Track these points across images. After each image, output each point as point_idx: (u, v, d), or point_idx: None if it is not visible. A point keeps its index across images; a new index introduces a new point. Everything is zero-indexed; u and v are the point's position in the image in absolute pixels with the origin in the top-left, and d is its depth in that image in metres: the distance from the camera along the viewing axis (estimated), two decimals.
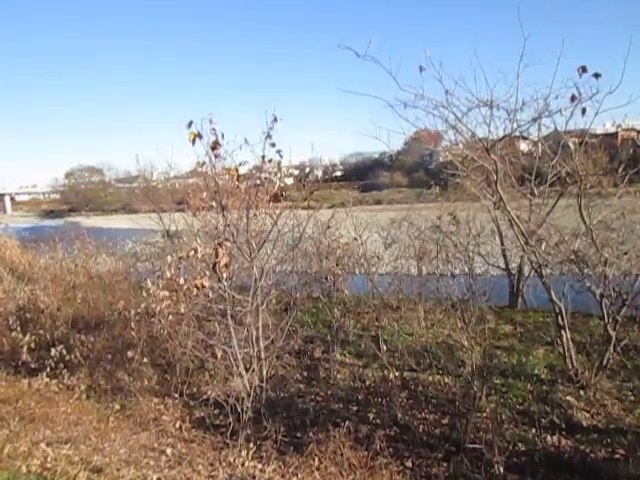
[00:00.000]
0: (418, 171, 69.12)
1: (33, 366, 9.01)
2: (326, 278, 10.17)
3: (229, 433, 6.34)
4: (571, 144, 7.24)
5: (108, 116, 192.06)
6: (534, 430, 6.31)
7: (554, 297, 7.65)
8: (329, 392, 7.84)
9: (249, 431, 6.33)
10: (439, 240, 10.79)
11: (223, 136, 5.96)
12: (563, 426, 6.41)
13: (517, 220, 7.45)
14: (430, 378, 8.00)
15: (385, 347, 9.16)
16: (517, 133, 7.29)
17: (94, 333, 10.02)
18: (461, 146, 8.49)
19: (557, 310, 7.74)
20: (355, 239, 10.49)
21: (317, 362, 9.21)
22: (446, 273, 10.53)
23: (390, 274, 11.30)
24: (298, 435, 6.42)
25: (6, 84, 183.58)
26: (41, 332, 9.73)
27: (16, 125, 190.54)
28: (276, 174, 6.65)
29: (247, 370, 6.71)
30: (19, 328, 9.56)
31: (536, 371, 8.17)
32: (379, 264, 10.89)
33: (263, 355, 7.00)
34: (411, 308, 10.41)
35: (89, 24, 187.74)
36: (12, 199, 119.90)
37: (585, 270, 7.49)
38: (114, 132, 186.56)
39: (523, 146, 11.73)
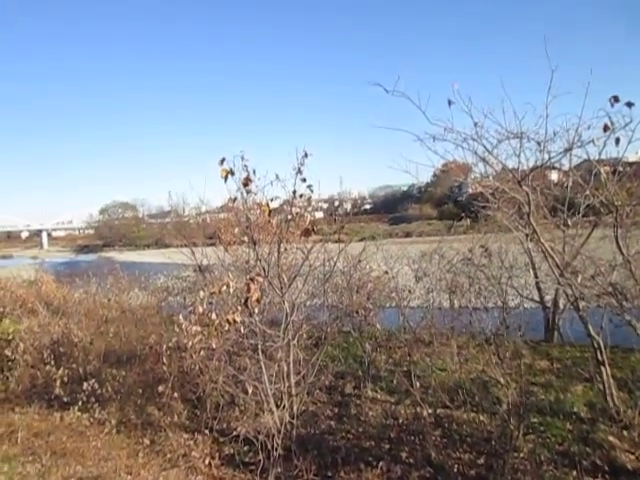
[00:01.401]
0: (447, 203, 68.94)
1: (65, 400, 9.08)
2: (357, 312, 10.06)
3: (259, 471, 6.24)
4: (604, 173, 7.11)
5: (142, 153, 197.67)
6: (575, 472, 6.03)
7: (592, 331, 7.40)
8: (360, 429, 7.67)
9: (279, 469, 6.22)
10: (471, 273, 10.62)
11: (255, 172, 6.07)
12: (606, 468, 6.10)
13: (551, 252, 7.30)
14: (464, 416, 7.76)
15: (418, 383, 8.95)
16: (548, 164, 7.21)
17: (126, 367, 10.09)
18: (491, 178, 8.42)
19: (595, 345, 7.48)
20: (386, 272, 10.41)
21: (348, 398, 9.05)
22: (479, 306, 10.32)
23: (422, 307, 11.12)
24: (329, 474, 6.28)
25: (46, 123, 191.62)
26: (74, 366, 9.85)
27: (54, 162, 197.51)
28: (307, 209, 6.69)
29: (278, 406, 6.64)
30: (53, 362, 9.72)
31: (575, 409, 7.85)
32: (410, 297, 10.75)
33: (294, 391, 6.93)
34: (444, 343, 10.18)
35: (120, 61, 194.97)
36: (49, 235, 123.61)
37: (624, 303, 7.24)
38: (147, 169, 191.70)
39: (554, 176, 11.57)
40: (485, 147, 6.99)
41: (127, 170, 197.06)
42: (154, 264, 34.82)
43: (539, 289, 11.65)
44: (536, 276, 10.90)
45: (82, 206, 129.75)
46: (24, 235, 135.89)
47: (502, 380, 6.29)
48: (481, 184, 8.65)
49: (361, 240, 14.08)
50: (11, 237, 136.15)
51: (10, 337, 11.38)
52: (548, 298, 11.80)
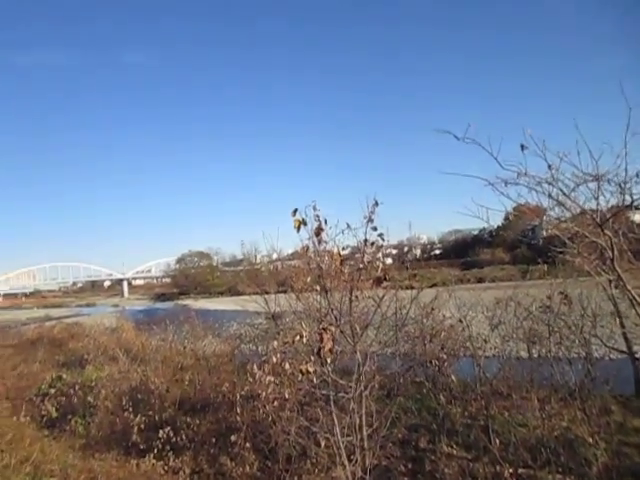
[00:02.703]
0: (521, 247, 66.60)
1: (142, 447, 9.27)
2: (430, 362, 9.78)
3: None
4: None
5: (217, 203, 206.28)
6: None
7: None
8: None
9: None
10: (550, 321, 10.10)
11: (326, 222, 6.16)
12: None
13: (639, 299, 6.85)
14: (549, 477, 7.21)
15: (497, 439, 8.47)
16: (630, 205, 6.87)
17: (200, 415, 10.23)
18: (568, 221, 8.10)
19: None
20: (460, 321, 10.11)
21: (422, 453, 8.69)
22: (560, 357, 9.76)
23: (498, 357, 10.65)
24: None
25: (127, 177, 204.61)
26: (150, 413, 10.09)
27: (135, 213, 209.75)
28: (378, 258, 6.68)
29: (350, 460, 6.46)
30: (131, 408, 10.01)
31: None
32: (485, 347, 10.34)
33: (366, 444, 6.73)
34: (523, 396, 9.64)
35: (199, 109, 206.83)
36: (129, 283, 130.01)
37: None
38: (222, 218, 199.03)
39: (637, 217, 10.96)
40: (561, 190, 6.78)
41: (203, 220, 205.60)
42: (227, 312, 35.61)
43: (627, 339, 10.88)
44: (623, 325, 10.21)
45: (160, 255, 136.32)
46: (107, 284, 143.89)
47: (590, 439, 5.86)
48: (558, 228, 8.34)
49: (432, 286, 13.79)
50: (95, 286, 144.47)
51: (93, 383, 11.89)
52: (637, 349, 10.99)
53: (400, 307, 8.00)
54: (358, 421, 6.65)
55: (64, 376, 13.15)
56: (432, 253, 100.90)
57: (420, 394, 11.01)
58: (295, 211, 6.02)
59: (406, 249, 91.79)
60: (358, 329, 6.59)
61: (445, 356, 9.75)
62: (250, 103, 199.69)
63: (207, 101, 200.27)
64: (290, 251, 21.92)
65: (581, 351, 9.74)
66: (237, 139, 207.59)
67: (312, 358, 5.82)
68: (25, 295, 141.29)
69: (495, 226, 75.06)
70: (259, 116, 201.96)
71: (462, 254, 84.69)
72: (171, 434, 8.95)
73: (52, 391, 12.10)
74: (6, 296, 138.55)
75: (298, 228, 6.04)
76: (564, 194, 6.85)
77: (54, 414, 11.30)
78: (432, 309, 10.46)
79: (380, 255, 6.90)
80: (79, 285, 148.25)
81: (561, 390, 8.37)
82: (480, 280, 53.22)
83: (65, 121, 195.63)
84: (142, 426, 9.47)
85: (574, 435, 6.56)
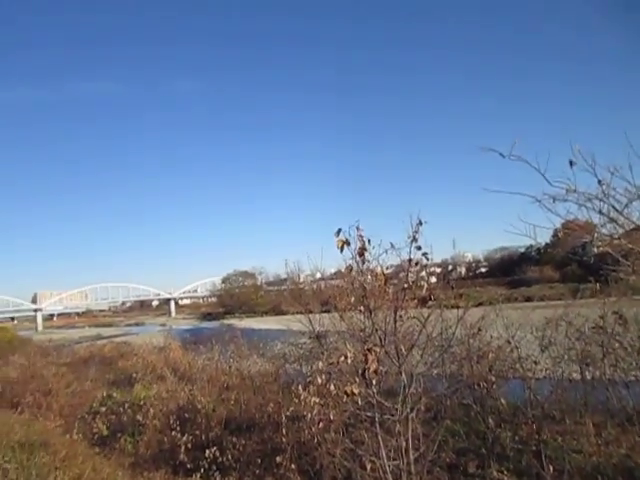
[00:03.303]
0: (570, 265, 64.52)
1: (189, 466, 9.37)
2: (478, 384, 9.52)
3: None
4: None
5: (262, 223, 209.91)
6: None
7: None
8: None
9: None
10: (604, 342, 9.71)
11: (369, 242, 6.15)
12: None
13: None
14: None
15: (550, 466, 8.13)
16: None
17: (245, 435, 10.25)
18: (621, 238, 7.80)
19: None
20: (508, 341, 9.83)
21: (471, 478, 8.42)
22: (616, 380, 9.34)
23: (549, 380, 10.28)
24: None
25: (175, 201, 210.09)
26: (197, 432, 10.19)
27: (182, 234, 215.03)
28: (422, 277, 6.61)
29: None
30: (178, 427, 10.14)
31: None
32: (535, 369, 10.00)
33: (413, 469, 6.58)
34: (577, 421, 9.25)
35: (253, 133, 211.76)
36: (176, 303, 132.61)
37: None
38: (265, 238, 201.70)
39: None
40: (613, 206, 6.55)
41: (248, 239, 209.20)
42: (271, 331, 35.78)
43: None
44: None
45: (206, 275, 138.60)
46: (155, 304, 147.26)
47: None
48: (610, 245, 8.04)
49: (478, 305, 13.47)
50: (144, 306, 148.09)
51: (141, 402, 12.13)
52: None
53: (446, 327, 7.85)
54: (404, 444, 6.52)
55: (114, 394, 13.49)
56: (477, 271, 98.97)
57: (468, 417, 10.70)
58: (339, 231, 6.04)
59: (450, 267, 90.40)
60: (403, 350, 6.51)
61: (493, 378, 9.47)
62: (289, 127, 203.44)
63: (253, 124, 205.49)
64: (333, 270, 21.91)
65: (639, 374, 9.32)
66: (281, 161, 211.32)
67: (357, 379, 5.77)
68: (78, 314, 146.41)
69: (543, 243, 73.13)
70: (304, 137, 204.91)
71: (509, 272, 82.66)
72: (217, 454, 9.01)
73: (103, 409, 12.42)
74: (60, 315, 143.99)
75: (342, 248, 6.05)
76: (616, 210, 6.61)
77: (105, 432, 11.58)
78: (479, 329, 10.22)
79: (424, 274, 6.82)
80: (128, 305, 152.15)
81: (618, 415, 8.00)
82: (528, 299, 51.59)
83: (110, 145, 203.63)
84: (189, 445, 9.58)
85: (634, 463, 6.23)
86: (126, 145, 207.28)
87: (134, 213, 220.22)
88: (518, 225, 6.86)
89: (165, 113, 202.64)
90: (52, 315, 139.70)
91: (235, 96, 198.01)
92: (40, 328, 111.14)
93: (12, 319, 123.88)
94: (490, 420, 8.88)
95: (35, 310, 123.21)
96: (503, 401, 9.65)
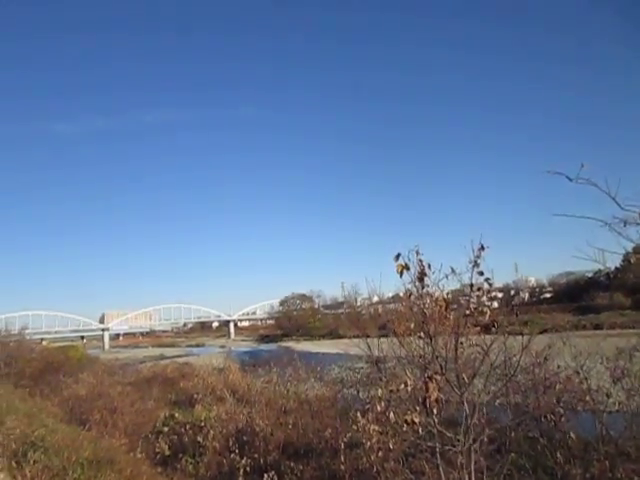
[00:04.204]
0: None
1: None
2: (545, 416, 9.07)
3: None
4: None
5: (318, 246, 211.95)
6: None
7: None
8: None
9: None
10: None
11: (429, 266, 6.06)
12: None
13: None
14: None
15: None
16: None
17: (303, 460, 10.19)
18: None
19: None
20: (577, 372, 9.36)
21: None
22: None
23: (623, 414, 9.66)
24: None
25: (233, 225, 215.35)
26: (255, 455, 10.22)
27: (241, 258, 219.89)
28: (483, 302, 6.43)
29: None
30: (237, 450, 10.21)
31: None
32: (608, 402, 9.44)
33: None
34: None
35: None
36: (235, 325, 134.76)
37: None
38: (323, 261, 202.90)
39: None
40: None
41: (305, 263, 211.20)
42: (328, 354, 35.65)
43: None
44: None
45: (265, 298, 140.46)
46: (215, 325, 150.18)
47: None
48: None
49: (542, 332, 12.92)
50: (204, 327, 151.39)
51: (202, 423, 12.31)
52: None
53: (510, 357, 7.56)
54: (467, 477, 6.28)
55: (176, 415, 13.78)
56: (541, 297, 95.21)
57: (534, 451, 10.17)
58: (398, 256, 5.99)
59: (513, 292, 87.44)
60: (465, 378, 6.31)
61: (562, 410, 9.01)
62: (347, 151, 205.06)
63: (307, 149, 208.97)
64: (390, 294, 21.68)
65: None
66: (338, 185, 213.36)
67: (417, 407, 5.64)
68: (142, 334, 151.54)
69: (613, 268, 69.58)
70: (356, 158, 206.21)
71: (575, 298, 78.88)
72: (275, 479, 8.97)
73: (165, 429, 12.70)
74: (126, 335, 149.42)
75: (401, 273, 5.99)
76: None
77: (167, 452, 11.81)
78: (545, 358, 9.79)
79: (485, 299, 6.64)
80: (189, 326, 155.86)
81: None
82: (597, 327, 48.76)
83: (172, 167, 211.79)
84: (247, 469, 9.61)
85: None
86: (189, 168, 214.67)
87: (196, 235, 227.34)
88: (586, 249, 6.57)
89: (229, 135, 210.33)
90: (118, 335, 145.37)
91: (292, 120, 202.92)
92: (107, 347, 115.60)
93: (82, 338, 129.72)
94: (559, 455, 8.42)
95: (103, 330, 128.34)
96: (573, 435, 9.11)
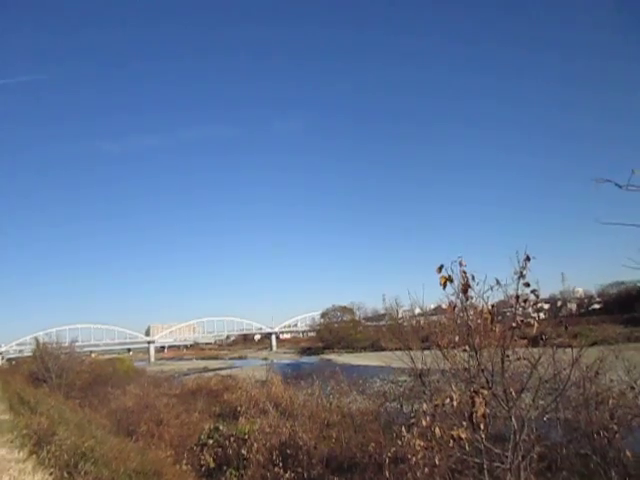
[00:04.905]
0: None
1: None
2: (598, 433, 8.69)
3: None
4: None
5: (359, 258, 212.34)
6: None
7: None
8: None
9: None
10: None
11: (473, 278, 5.94)
12: None
13: None
14: None
15: None
16: None
17: (347, 475, 10.10)
18: None
19: None
20: (631, 387, 8.96)
21: None
22: None
23: None
24: None
25: (275, 240, 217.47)
26: (299, 469, 10.20)
27: (282, 271, 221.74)
28: (528, 313, 6.26)
29: None
30: (281, 463, 10.20)
31: None
32: None
33: None
34: None
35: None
36: (277, 337, 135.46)
37: None
38: (364, 272, 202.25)
39: None
40: None
41: (346, 274, 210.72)
42: (370, 367, 35.38)
43: None
44: None
45: (306, 310, 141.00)
46: (257, 337, 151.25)
47: None
48: None
49: (592, 345, 12.45)
50: (247, 339, 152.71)
51: (245, 436, 12.37)
52: None
53: (559, 369, 7.31)
54: None
55: (220, 427, 13.88)
56: (590, 308, 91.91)
57: (586, 469, 9.75)
58: (441, 267, 5.90)
59: (560, 303, 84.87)
60: (513, 393, 6.13)
61: (615, 427, 8.62)
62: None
63: (352, 158, 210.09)
64: (432, 305, 21.35)
65: None
66: (378, 197, 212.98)
67: (463, 423, 5.51)
68: (186, 347, 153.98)
69: None
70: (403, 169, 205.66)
71: (626, 309, 75.75)
72: None
73: (210, 442, 12.81)
74: (170, 347, 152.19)
75: (444, 285, 5.90)
76: None
77: (211, 464, 11.91)
78: (596, 372, 9.41)
79: (531, 310, 6.46)
80: (232, 338, 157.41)
81: None
82: None
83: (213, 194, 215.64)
84: None
85: None
86: (233, 183, 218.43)
87: (239, 249, 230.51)
88: (637, 258, 6.32)
89: (273, 153, 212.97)
90: (163, 347, 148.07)
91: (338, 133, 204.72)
92: (152, 359, 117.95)
93: (128, 350, 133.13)
94: (613, 474, 8.06)
95: (148, 342, 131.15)
96: (628, 453, 8.69)
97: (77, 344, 55.68)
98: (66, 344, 43.31)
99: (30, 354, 54.13)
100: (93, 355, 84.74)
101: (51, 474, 7.26)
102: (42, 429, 10.12)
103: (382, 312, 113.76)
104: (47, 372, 32.91)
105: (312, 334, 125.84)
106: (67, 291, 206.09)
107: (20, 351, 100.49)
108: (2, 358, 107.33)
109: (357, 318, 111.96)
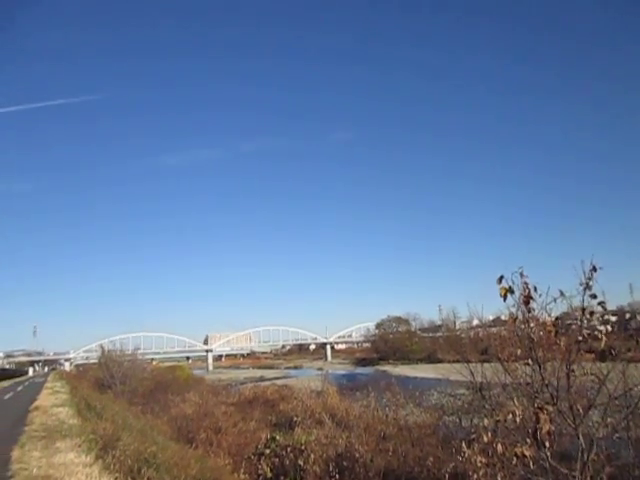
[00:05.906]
0: None
1: None
2: None
3: None
4: None
5: (415, 269, 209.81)
6: None
7: None
8: None
9: None
10: None
11: (535, 289, 5.74)
12: None
13: None
14: None
15: None
16: None
17: None
18: None
19: None
20: None
21: None
22: None
23: None
24: None
25: (329, 250, 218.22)
26: None
27: (337, 281, 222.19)
28: (594, 326, 5.98)
29: None
30: (337, 475, 10.14)
31: None
32: None
33: None
34: None
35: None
36: (332, 347, 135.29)
37: None
38: (420, 284, 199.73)
39: None
40: None
41: (401, 284, 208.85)
42: (426, 379, 34.72)
43: None
44: None
45: (360, 320, 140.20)
46: (312, 347, 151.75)
47: None
48: None
49: None
50: (302, 349, 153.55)
51: (302, 447, 12.38)
52: None
53: (630, 385, 6.91)
54: None
55: (277, 437, 13.95)
56: None
57: None
58: (501, 278, 5.73)
59: (628, 316, 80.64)
60: (580, 410, 5.85)
61: None
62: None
63: (409, 169, 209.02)
64: (491, 317, 20.77)
65: None
66: (434, 208, 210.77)
67: (527, 440, 5.30)
68: (242, 356, 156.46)
69: None
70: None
71: None
72: None
73: (267, 451, 12.89)
74: (227, 356, 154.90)
75: (505, 297, 5.72)
76: None
77: (269, 474, 11.98)
78: None
79: (596, 323, 6.17)
80: (287, 348, 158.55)
81: None
82: None
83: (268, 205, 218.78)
84: None
85: None
86: (289, 193, 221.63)
87: (294, 259, 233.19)
88: None
89: (327, 163, 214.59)
90: (220, 356, 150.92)
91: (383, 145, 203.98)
92: (210, 368, 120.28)
93: (187, 358, 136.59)
94: None
95: (206, 351, 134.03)
96: None
97: (139, 351, 57.71)
98: (129, 351, 44.96)
99: (95, 360, 56.54)
100: (154, 362, 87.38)
101: (116, 479, 7.47)
102: (107, 434, 10.47)
103: (438, 323, 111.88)
104: (112, 378, 34.27)
105: (367, 345, 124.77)
106: (132, 301, 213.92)
107: (87, 357, 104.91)
108: (71, 364, 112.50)
109: (413, 329, 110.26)
